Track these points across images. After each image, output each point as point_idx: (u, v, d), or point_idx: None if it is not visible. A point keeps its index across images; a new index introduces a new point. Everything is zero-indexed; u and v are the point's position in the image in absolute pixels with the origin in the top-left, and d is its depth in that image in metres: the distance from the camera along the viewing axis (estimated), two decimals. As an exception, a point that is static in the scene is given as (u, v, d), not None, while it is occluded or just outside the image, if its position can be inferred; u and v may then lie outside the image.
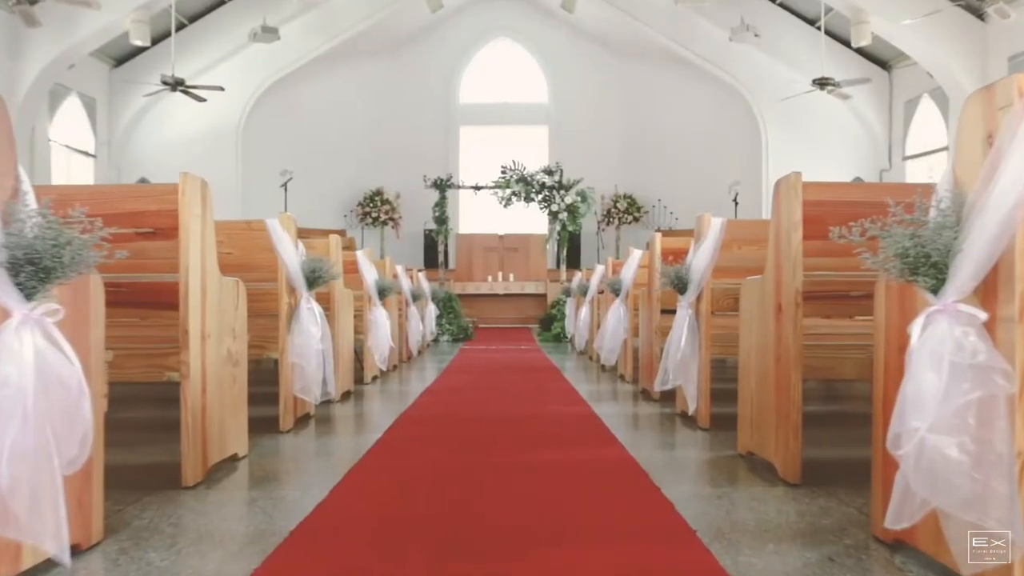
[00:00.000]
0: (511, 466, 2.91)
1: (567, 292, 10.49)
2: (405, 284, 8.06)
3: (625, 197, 17.58)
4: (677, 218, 16.24)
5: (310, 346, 3.59)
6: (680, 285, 3.76)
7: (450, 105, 18.44)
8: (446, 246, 15.20)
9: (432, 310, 10.42)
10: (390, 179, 17.27)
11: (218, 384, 2.78)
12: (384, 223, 17.57)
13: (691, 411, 3.73)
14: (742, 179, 16.18)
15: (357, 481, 2.67)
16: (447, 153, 17.84)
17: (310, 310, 3.65)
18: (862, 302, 2.59)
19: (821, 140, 16.59)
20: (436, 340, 11.42)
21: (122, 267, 2.04)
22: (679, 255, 4.91)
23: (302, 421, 3.90)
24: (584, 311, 8.27)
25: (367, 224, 17.40)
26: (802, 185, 2.57)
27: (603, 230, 17.42)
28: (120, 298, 2.63)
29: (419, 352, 9.16)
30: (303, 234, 4.58)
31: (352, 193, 17.45)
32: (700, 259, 3.65)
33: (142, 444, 3.42)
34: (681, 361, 3.71)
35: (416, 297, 8.21)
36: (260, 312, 3.72)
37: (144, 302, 2.82)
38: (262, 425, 3.62)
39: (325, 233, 14.31)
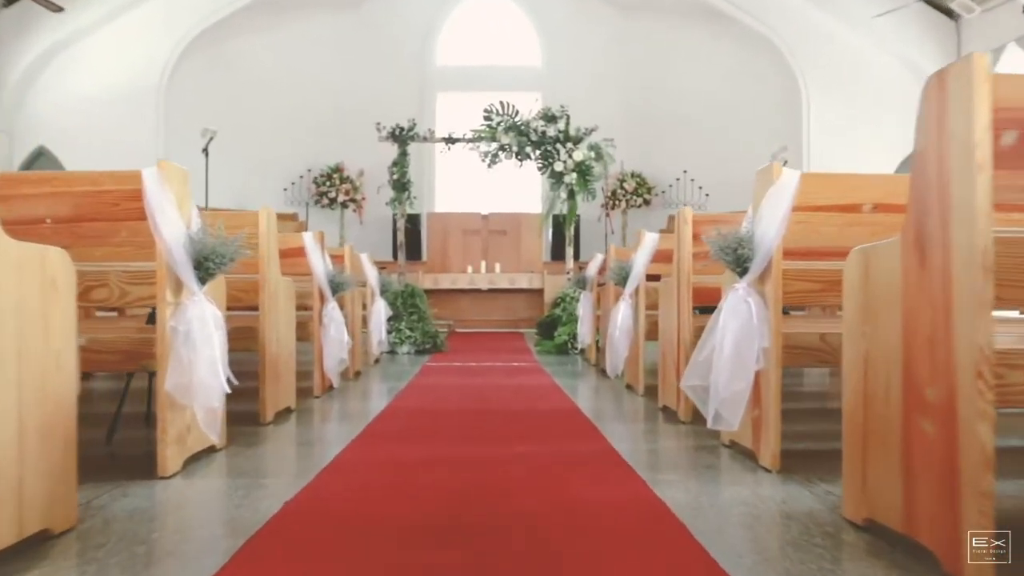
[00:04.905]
0: None
1: (581, 283, 7.13)
2: (317, 266, 4.67)
3: (633, 176, 14.48)
4: (708, 194, 12.96)
5: None
6: None
7: (425, 68, 15.22)
8: (416, 225, 11.85)
9: (382, 309, 7.03)
10: (352, 154, 14.03)
11: None
12: (344, 205, 14.36)
13: None
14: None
15: None
16: (421, 124, 14.56)
17: None
18: None
19: (873, 104, 13.45)
20: (392, 352, 8.05)
21: None
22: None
23: None
24: (621, 311, 4.91)
25: (323, 206, 14.21)
26: None
27: (608, 215, 14.30)
28: None
29: (355, 374, 5.78)
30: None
31: (304, 170, 14.16)
32: None
33: None
34: None
35: (337, 288, 4.83)
36: None
37: None
38: None
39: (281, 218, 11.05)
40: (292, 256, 4.67)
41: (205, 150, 11.93)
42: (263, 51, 14.22)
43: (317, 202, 14.23)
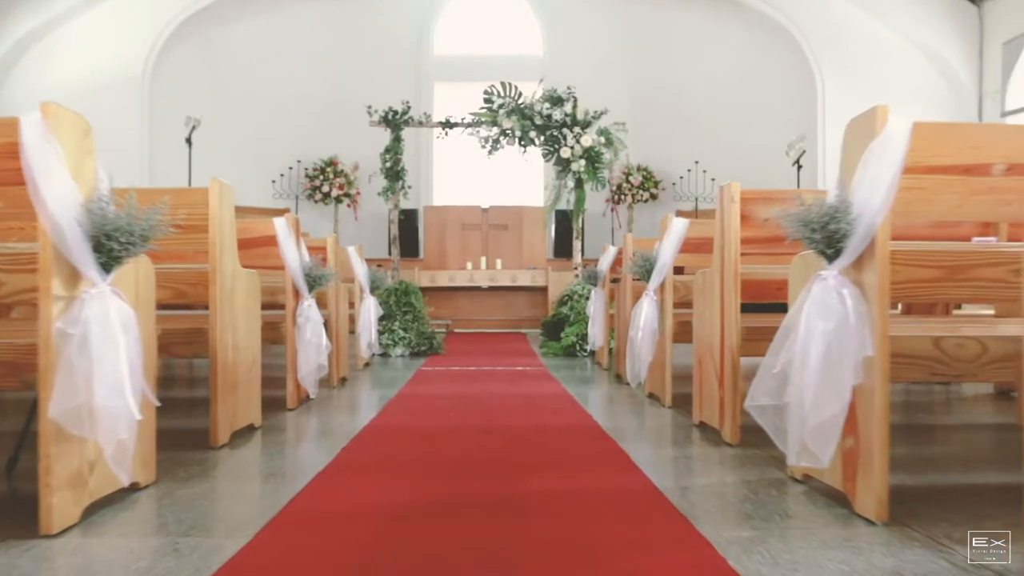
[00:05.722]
0: None
1: (592, 279, 6.45)
2: (290, 257, 4.00)
3: (640, 169, 13.80)
4: (720, 187, 12.30)
5: None
6: None
7: (422, 57, 14.50)
8: (412, 220, 11.16)
9: (372, 308, 6.35)
10: (346, 146, 13.35)
11: None
12: (338, 200, 13.68)
13: None
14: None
15: None
16: (417, 115, 13.89)
17: None
18: None
19: (890, 92, 12.71)
20: (385, 354, 7.38)
21: None
22: None
23: None
24: (645, 309, 4.24)
25: (316, 200, 13.52)
26: None
27: (613, 209, 13.69)
28: None
29: (340, 380, 5.10)
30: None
31: (294, 161, 13.48)
32: None
33: None
34: None
35: (315, 283, 4.17)
36: None
37: None
38: None
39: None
40: (262, 245, 4.01)
41: (188, 139, 11.25)
42: (252, 39, 13.55)
43: (310, 196, 13.57)
